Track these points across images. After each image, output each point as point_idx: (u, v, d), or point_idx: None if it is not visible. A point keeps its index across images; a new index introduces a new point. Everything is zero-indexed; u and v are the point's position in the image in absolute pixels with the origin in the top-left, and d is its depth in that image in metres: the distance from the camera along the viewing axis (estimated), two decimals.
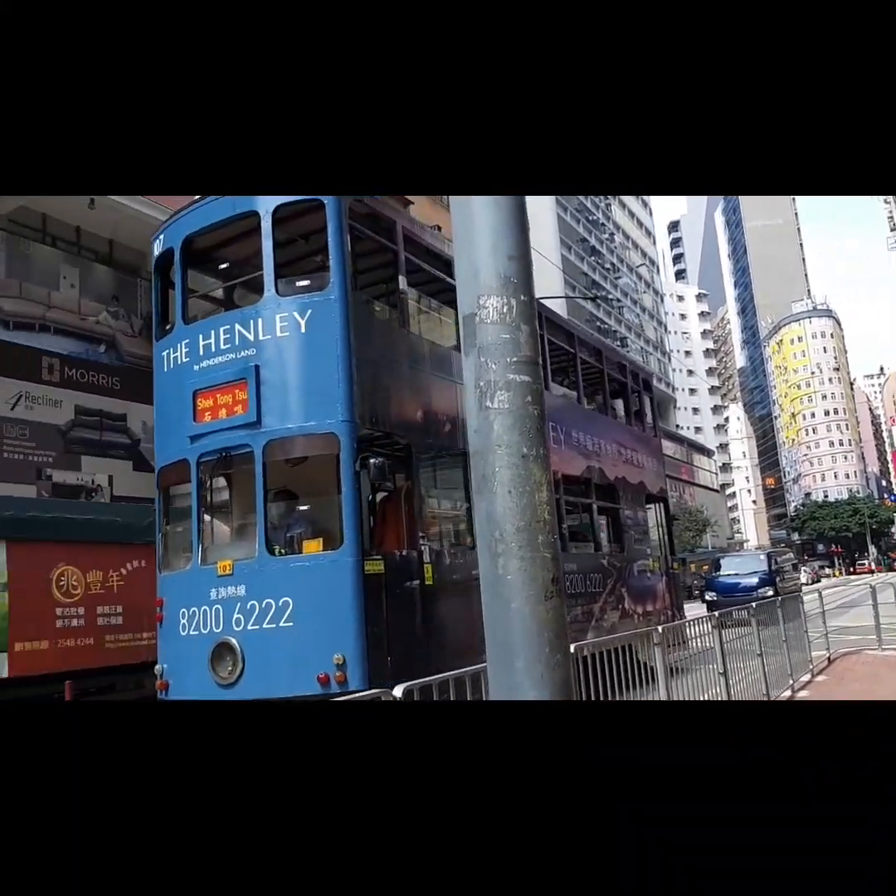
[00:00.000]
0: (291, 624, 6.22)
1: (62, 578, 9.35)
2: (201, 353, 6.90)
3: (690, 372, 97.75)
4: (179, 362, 7.05)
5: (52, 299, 15.06)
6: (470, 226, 2.58)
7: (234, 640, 6.35)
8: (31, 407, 14.40)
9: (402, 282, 7.38)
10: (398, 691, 3.79)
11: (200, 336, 6.92)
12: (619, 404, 12.93)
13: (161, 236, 7.51)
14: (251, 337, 6.66)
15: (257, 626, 6.30)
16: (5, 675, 8.96)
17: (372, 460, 6.39)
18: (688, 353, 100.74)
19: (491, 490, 2.41)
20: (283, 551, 6.63)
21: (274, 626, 6.25)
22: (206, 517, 7.00)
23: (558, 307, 51.40)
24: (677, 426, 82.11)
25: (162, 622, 7.01)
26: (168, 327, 7.34)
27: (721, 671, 8.85)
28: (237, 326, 6.73)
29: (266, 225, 6.71)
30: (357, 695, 4.02)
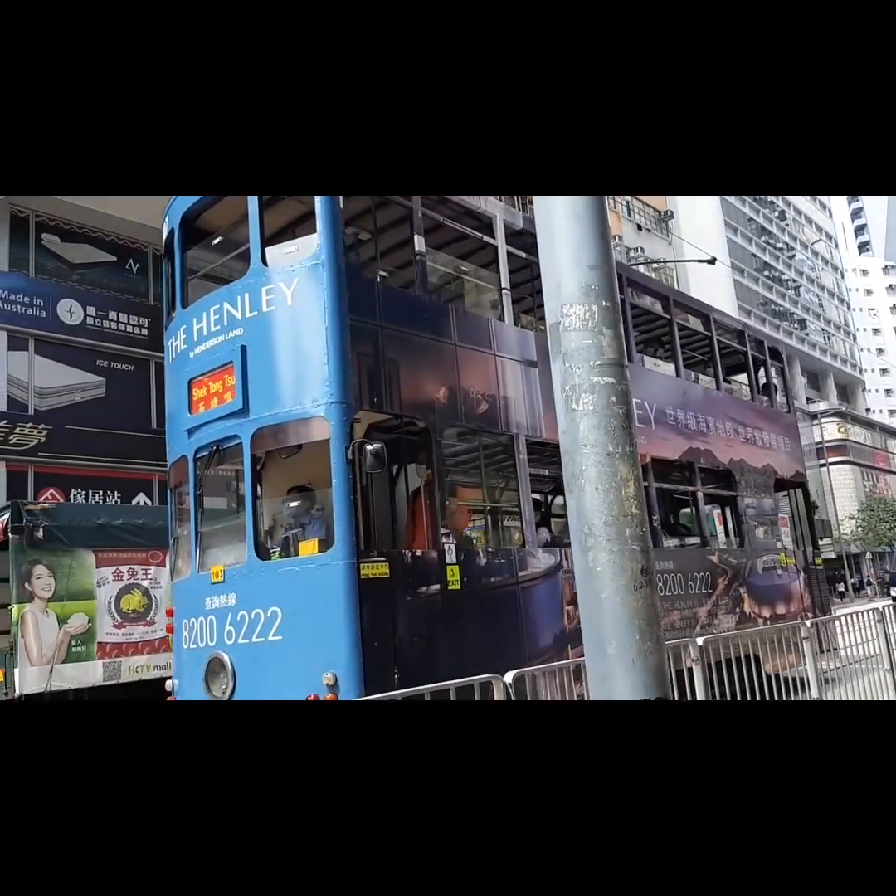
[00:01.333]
0: (280, 637, 5.32)
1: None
2: (195, 338, 6.17)
3: (880, 351, 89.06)
4: (179, 351, 6.36)
5: None
6: (552, 239, 2.68)
7: (225, 656, 5.54)
8: None
9: (419, 243, 6.31)
10: (509, 677, 3.95)
11: (195, 320, 6.19)
12: (742, 378, 11.13)
13: (166, 217, 6.87)
14: (238, 315, 5.84)
15: (247, 640, 5.46)
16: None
17: (368, 447, 5.37)
18: (876, 330, 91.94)
19: (579, 487, 2.53)
20: (281, 554, 5.77)
21: (263, 639, 5.38)
22: (204, 519, 6.24)
23: (726, 295, 48.02)
24: (868, 410, 74.91)
25: (173, 633, 6.36)
26: (173, 314, 6.69)
27: (888, 667, 7.37)
28: (225, 305, 5.93)
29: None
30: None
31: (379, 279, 6.34)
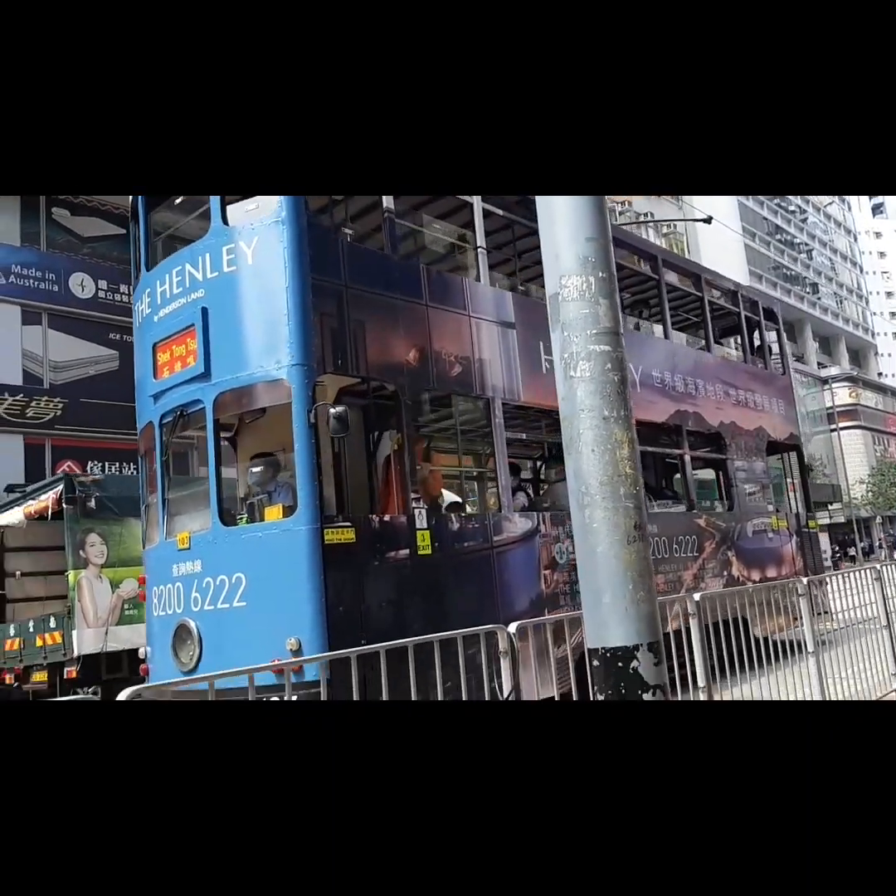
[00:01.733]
0: (244, 604, 5.23)
1: None
2: (159, 301, 6.01)
3: (893, 314, 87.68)
4: (144, 314, 6.21)
5: None
6: (551, 213, 2.77)
7: (191, 623, 5.46)
8: None
9: (387, 201, 6.11)
10: (512, 628, 4.01)
11: (158, 282, 6.03)
12: (735, 339, 10.89)
13: None
14: (200, 276, 5.67)
15: (212, 607, 5.37)
16: None
17: (331, 410, 5.23)
18: (889, 294, 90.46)
19: (577, 450, 2.66)
20: (247, 521, 5.66)
21: (227, 606, 5.29)
22: (172, 486, 6.13)
23: (737, 259, 47.06)
24: (880, 374, 73.97)
25: (145, 601, 6.29)
26: (139, 277, 6.52)
27: (885, 624, 7.27)
28: (187, 266, 5.76)
29: None
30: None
31: (346, 238, 6.13)
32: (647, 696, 2.54)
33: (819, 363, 58.44)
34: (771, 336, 11.09)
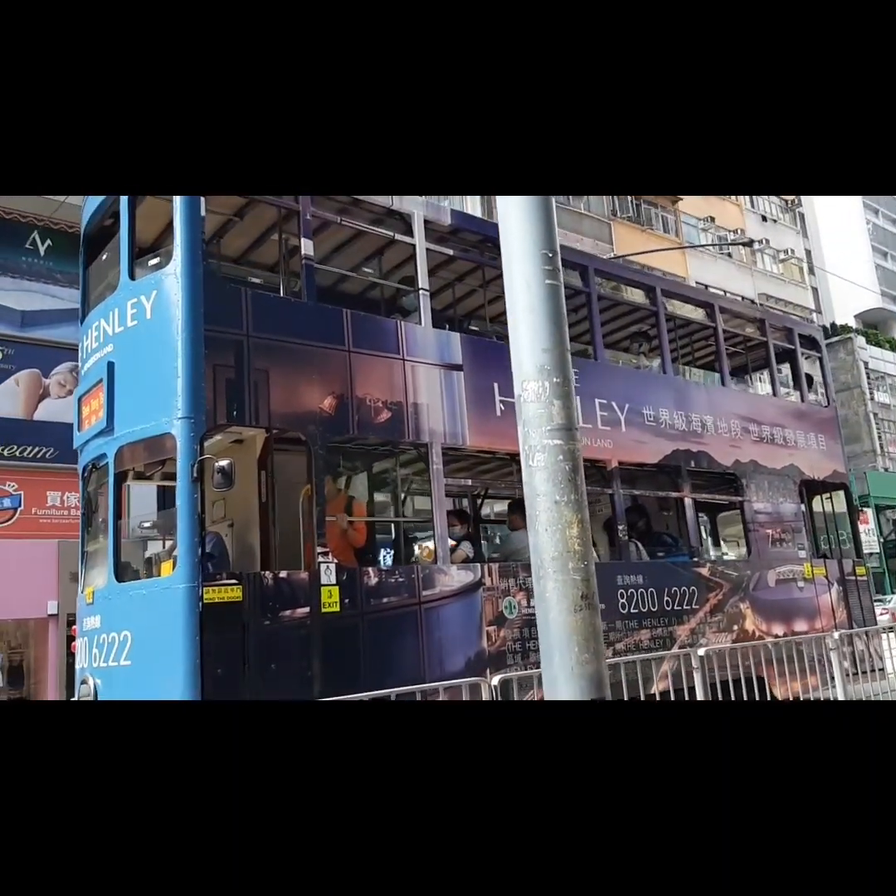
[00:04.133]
0: (130, 662, 4.99)
1: None
2: (84, 355, 5.97)
3: None
4: (80, 369, 6.18)
5: None
6: (516, 327, 3.12)
7: (90, 679, 5.28)
8: None
9: (306, 246, 5.81)
10: (495, 680, 4.46)
11: (84, 336, 5.98)
12: (764, 372, 9.85)
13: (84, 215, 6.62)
14: (110, 331, 5.56)
15: (105, 664, 5.16)
16: None
17: (216, 464, 4.95)
18: None
19: (535, 529, 3.00)
20: (144, 575, 5.44)
21: (116, 664, 5.06)
22: (90, 538, 6.00)
23: (868, 280, 43.78)
24: None
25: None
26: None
27: None
28: (101, 321, 5.67)
29: (124, 201, 5.59)
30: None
31: (249, 289, 5.88)
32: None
33: None
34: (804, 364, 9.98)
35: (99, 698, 5.16)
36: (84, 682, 5.29)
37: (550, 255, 3.17)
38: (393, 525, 6.66)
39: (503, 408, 6.51)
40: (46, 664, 17.08)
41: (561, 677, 2.87)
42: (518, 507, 6.97)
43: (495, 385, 6.52)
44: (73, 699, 5.42)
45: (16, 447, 17.21)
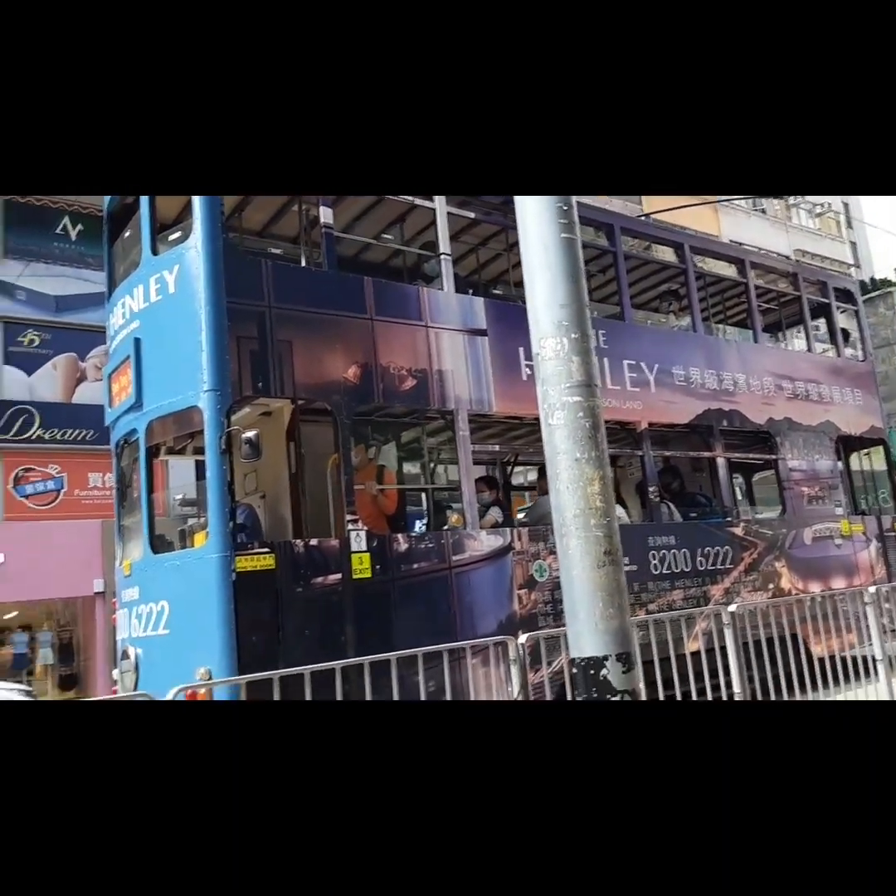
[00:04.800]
0: (168, 632, 5.09)
1: None
2: (112, 332, 6.03)
3: None
4: (107, 345, 6.25)
5: None
6: (532, 285, 3.07)
7: (131, 648, 5.40)
8: None
9: (325, 215, 5.78)
10: (523, 639, 4.44)
11: (111, 314, 6.04)
12: (798, 328, 9.62)
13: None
14: (136, 307, 5.60)
15: (144, 633, 5.27)
16: None
17: (243, 436, 4.99)
18: None
19: (556, 488, 2.97)
20: (179, 547, 5.53)
21: (155, 633, 5.17)
22: (125, 512, 6.10)
23: None
24: None
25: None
26: None
27: None
28: (127, 298, 5.72)
29: None
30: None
31: (270, 259, 5.86)
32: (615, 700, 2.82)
33: None
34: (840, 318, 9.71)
35: (140, 668, 5.28)
36: (125, 652, 5.41)
37: (565, 208, 3.10)
38: (424, 493, 6.66)
39: (529, 372, 6.45)
40: (95, 641, 17.54)
41: (585, 633, 2.87)
42: (546, 472, 6.95)
43: (521, 349, 6.45)
44: (113, 671, 5.55)
45: (56, 430, 17.60)
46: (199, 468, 11.09)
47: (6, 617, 17.62)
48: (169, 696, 3.55)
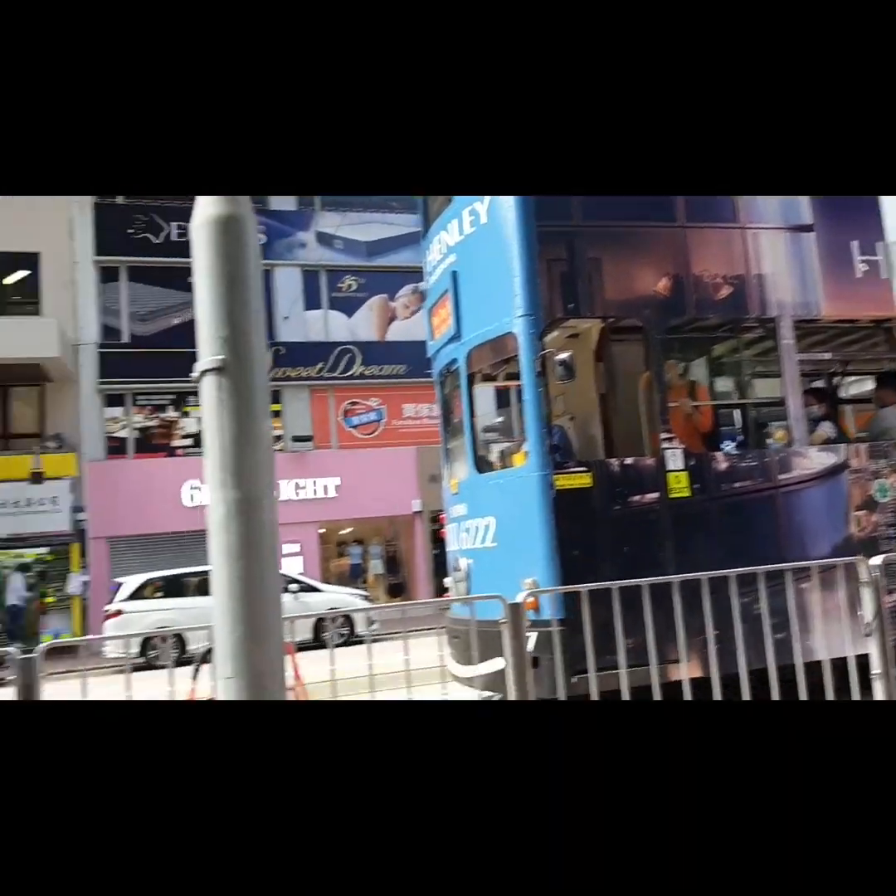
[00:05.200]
0: (495, 544, 5.44)
1: None
2: (429, 269, 6.38)
3: None
4: (426, 283, 6.64)
5: None
6: None
7: (462, 559, 5.86)
8: None
9: None
10: (878, 560, 3.99)
11: (427, 251, 6.39)
12: None
13: None
14: (451, 241, 5.87)
15: (474, 546, 5.69)
16: None
17: (557, 357, 5.07)
18: None
19: None
20: (499, 468, 5.80)
21: (483, 546, 5.55)
22: (450, 436, 6.49)
23: None
24: None
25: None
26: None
27: None
28: (442, 234, 6.01)
29: None
30: None
31: None
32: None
33: None
34: None
35: (471, 578, 5.71)
36: (457, 563, 5.89)
37: None
38: (737, 410, 6.31)
39: (866, 268, 5.74)
40: (415, 555, 19.42)
41: None
42: (888, 380, 6.20)
43: (854, 244, 5.75)
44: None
45: (375, 367, 19.36)
46: (500, 396, 11.50)
47: (343, 532, 20.13)
48: (518, 599, 3.75)
